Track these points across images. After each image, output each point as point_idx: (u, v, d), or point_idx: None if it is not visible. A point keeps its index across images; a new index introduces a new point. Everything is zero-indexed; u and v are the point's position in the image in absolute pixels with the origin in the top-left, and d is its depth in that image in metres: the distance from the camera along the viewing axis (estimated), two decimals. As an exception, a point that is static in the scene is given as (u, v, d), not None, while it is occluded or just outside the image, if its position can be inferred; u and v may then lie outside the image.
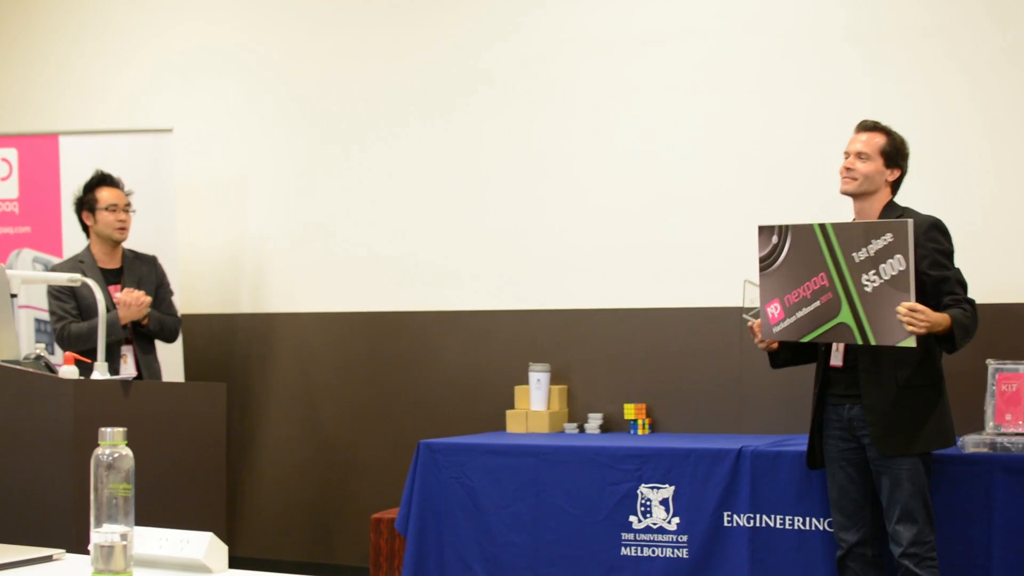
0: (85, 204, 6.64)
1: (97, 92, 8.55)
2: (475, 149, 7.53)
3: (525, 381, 6.99)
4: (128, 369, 6.46)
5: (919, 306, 4.77)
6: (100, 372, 5.27)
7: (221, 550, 2.74)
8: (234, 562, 2.81)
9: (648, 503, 5.97)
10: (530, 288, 7.31)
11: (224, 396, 5.85)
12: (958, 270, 5.07)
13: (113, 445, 2.55)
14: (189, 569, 2.70)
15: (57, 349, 6.78)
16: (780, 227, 5.13)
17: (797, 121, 6.70)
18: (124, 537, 2.54)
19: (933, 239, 5.00)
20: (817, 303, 5.04)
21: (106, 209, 6.59)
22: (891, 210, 5.18)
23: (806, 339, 5.11)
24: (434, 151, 7.61)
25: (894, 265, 4.83)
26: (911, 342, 4.81)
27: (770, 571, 5.68)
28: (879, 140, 5.21)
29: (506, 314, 7.35)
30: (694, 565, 5.87)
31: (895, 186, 5.25)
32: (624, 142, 7.12)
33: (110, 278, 6.63)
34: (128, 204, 6.66)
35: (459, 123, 7.57)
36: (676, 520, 5.94)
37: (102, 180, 6.65)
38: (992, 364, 5.55)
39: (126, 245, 6.75)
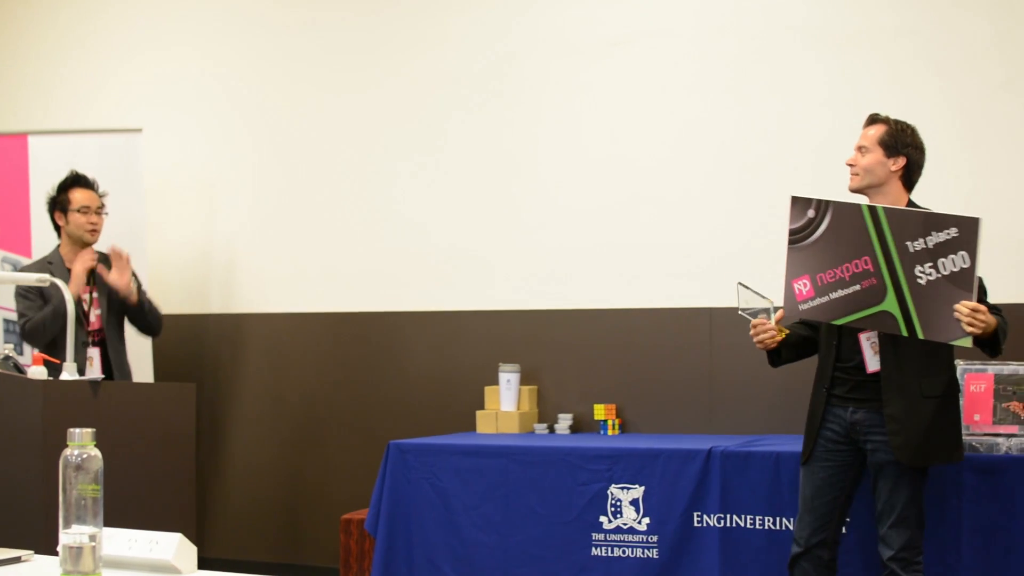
0: (58, 204, 6.61)
1: (67, 92, 8.52)
2: (445, 151, 7.52)
3: (495, 381, 7.00)
4: (94, 371, 6.43)
5: (981, 307, 4.66)
6: (69, 373, 5.26)
7: (190, 551, 2.73)
8: (203, 563, 2.80)
9: (618, 503, 5.98)
10: (500, 288, 7.31)
11: (194, 396, 5.84)
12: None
13: (82, 446, 2.54)
14: (158, 570, 2.69)
15: (26, 349, 6.75)
16: (819, 201, 4.91)
17: (769, 122, 6.72)
18: (93, 538, 2.53)
19: None
20: (857, 287, 4.84)
21: (78, 211, 6.56)
22: (912, 207, 5.06)
23: (839, 322, 4.93)
24: (403, 152, 7.61)
25: (956, 261, 4.65)
26: (967, 342, 4.70)
27: (740, 571, 5.69)
28: (878, 130, 5.10)
29: (476, 314, 7.35)
30: (664, 565, 5.87)
31: (907, 180, 5.11)
32: (594, 143, 7.13)
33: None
34: (101, 207, 6.63)
35: (428, 125, 7.57)
36: (646, 520, 5.94)
37: (76, 181, 6.62)
38: (960, 365, 5.56)
39: (96, 247, 6.72)
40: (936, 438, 4.98)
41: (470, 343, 7.36)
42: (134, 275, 6.72)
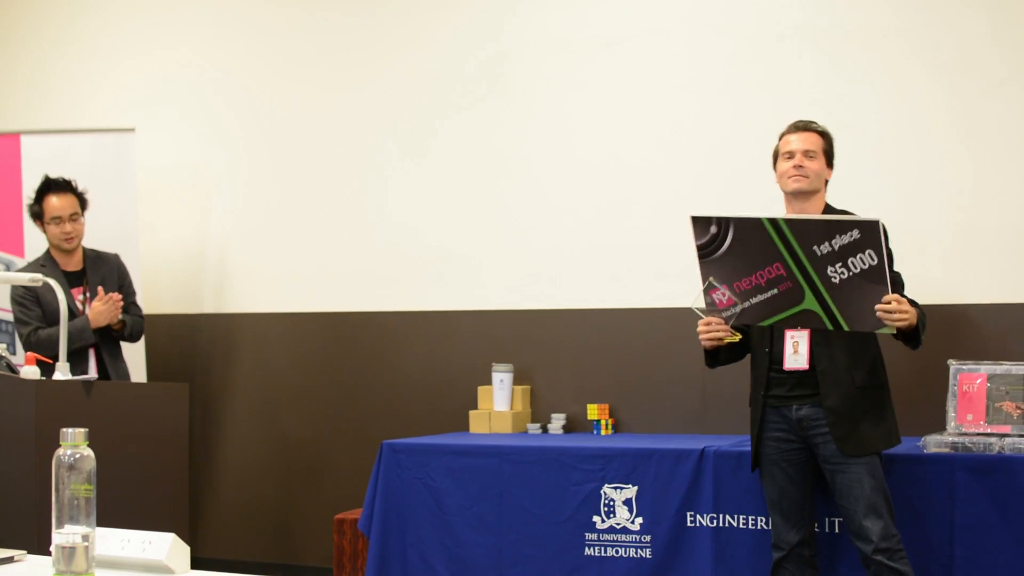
0: (33, 213, 6.63)
1: (60, 91, 8.51)
2: (436, 151, 7.52)
3: (488, 381, 6.99)
4: (89, 373, 6.44)
5: (902, 299, 4.81)
6: (62, 373, 5.25)
7: (183, 551, 2.73)
8: (196, 563, 2.80)
9: (611, 503, 5.98)
10: (492, 288, 7.31)
11: (186, 396, 5.84)
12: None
13: (74, 446, 2.54)
14: (151, 570, 2.69)
15: (19, 349, 6.75)
16: (719, 219, 5.04)
17: (761, 122, 6.70)
18: (86, 538, 2.53)
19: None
20: (775, 291, 4.99)
21: (51, 222, 6.57)
22: (831, 211, 5.23)
23: (767, 323, 5.07)
24: (395, 153, 7.61)
25: (865, 260, 4.81)
26: (890, 329, 4.84)
27: (733, 571, 5.69)
28: (820, 139, 5.27)
29: (469, 314, 7.35)
30: (657, 565, 5.87)
31: (827, 187, 5.33)
32: (586, 143, 7.12)
33: (72, 280, 6.62)
34: (75, 214, 6.62)
35: (419, 125, 7.57)
36: (639, 520, 5.94)
37: (48, 187, 6.62)
38: (953, 365, 5.58)
39: (87, 244, 6.73)
40: (875, 426, 5.10)
41: (463, 343, 7.36)
42: (128, 283, 6.76)
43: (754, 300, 5.03)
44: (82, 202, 6.70)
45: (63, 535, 2.52)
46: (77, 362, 6.24)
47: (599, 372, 7.01)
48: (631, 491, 5.96)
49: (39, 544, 3.21)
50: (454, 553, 6.17)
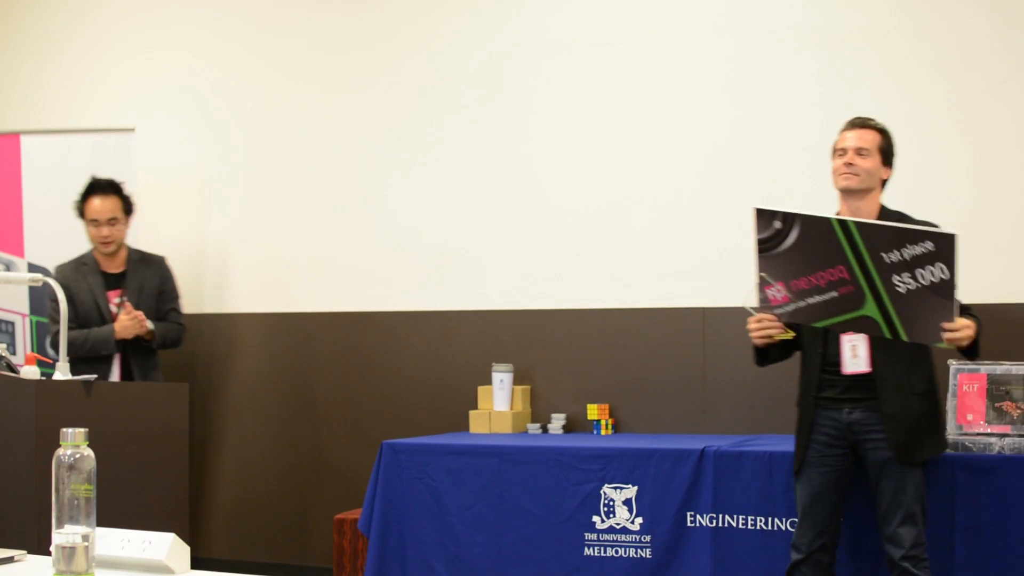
0: (78, 212, 6.72)
1: (60, 91, 8.50)
2: (437, 151, 7.52)
3: (488, 381, 6.99)
4: (112, 375, 6.48)
5: (970, 323, 4.77)
6: (62, 373, 5.25)
7: (183, 551, 2.73)
8: (196, 563, 2.80)
9: (611, 503, 5.98)
10: (493, 288, 7.31)
11: (186, 396, 5.84)
12: None
13: (75, 446, 2.54)
14: (151, 570, 2.69)
15: (18, 349, 6.75)
16: (785, 214, 4.91)
17: (761, 122, 6.71)
18: (86, 538, 2.53)
19: None
20: (834, 293, 4.86)
21: (90, 223, 6.60)
22: (886, 213, 5.15)
23: (820, 324, 4.97)
24: (396, 152, 7.60)
25: (935, 273, 4.69)
26: (949, 345, 4.80)
27: (733, 571, 5.69)
28: (876, 137, 5.16)
29: (469, 314, 7.35)
30: (657, 565, 5.87)
31: (884, 187, 5.22)
32: (587, 143, 7.12)
33: (111, 283, 6.65)
34: (113, 218, 6.66)
35: (420, 124, 7.56)
36: (639, 520, 5.94)
37: (93, 188, 6.70)
38: (953, 365, 5.58)
39: (134, 245, 6.77)
40: (926, 433, 5.08)
41: (463, 343, 7.35)
42: (168, 289, 6.81)
43: (811, 300, 4.92)
44: (127, 205, 6.75)
45: (63, 535, 2.53)
46: (99, 367, 6.28)
47: (599, 372, 7.01)
48: (631, 491, 5.96)
49: (39, 544, 3.21)
50: (454, 553, 6.17)
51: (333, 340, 7.68)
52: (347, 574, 6.67)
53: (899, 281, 4.73)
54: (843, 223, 4.80)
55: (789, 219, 4.88)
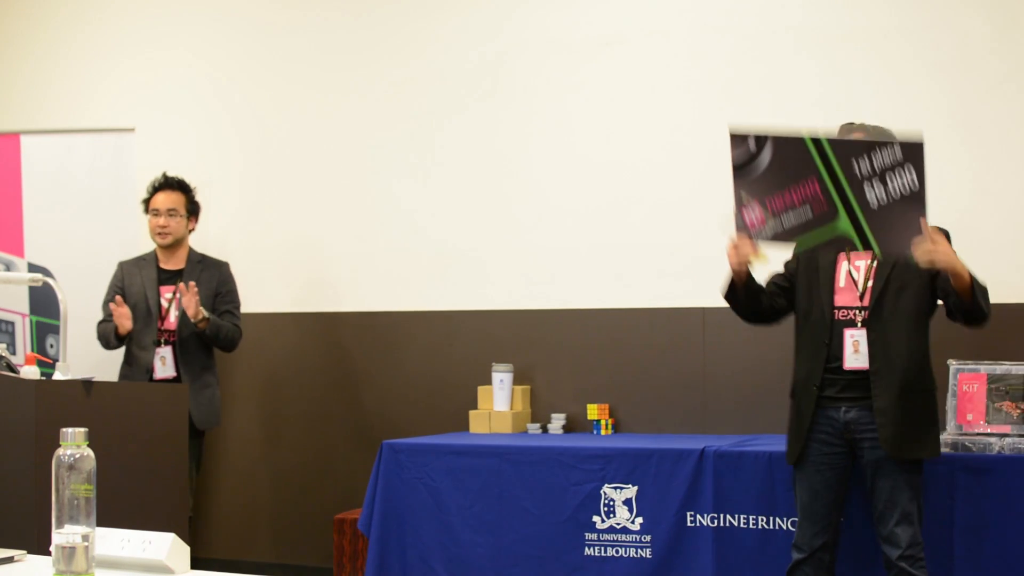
0: (144, 207, 6.94)
1: (60, 92, 8.50)
2: (437, 152, 7.52)
3: (488, 381, 6.99)
4: (166, 370, 6.54)
5: (939, 237, 4.72)
6: (61, 372, 5.25)
7: (183, 551, 2.73)
8: (196, 563, 2.80)
9: (611, 503, 5.98)
10: (493, 288, 7.31)
11: (186, 396, 5.83)
12: None
13: (75, 446, 2.54)
14: (151, 570, 2.69)
15: (18, 349, 6.75)
16: (758, 136, 4.88)
17: (761, 122, 6.70)
18: (86, 538, 2.53)
19: None
20: (807, 208, 4.85)
21: (151, 213, 6.78)
22: None
23: (798, 241, 4.94)
24: (396, 153, 7.61)
25: (905, 183, 4.68)
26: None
27: (734, 571, 5.69)
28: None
29: (469, 314, 7.35)
30: (657, 565, 5.87)
31: None
32: (587, 143, 7.13)
33: (166, 278, 6.83)
34: (173, 209, 6.82)
35: (420, 125, 7.56)
36: (639, 520, 5.94)
37: (159, 185, 6.91)
38: (953, 365, 5.58)
39: (198, 248, 6.84)
40: (920, 431, 5.04)
41: (463, 343, 7.36)
42: (224, 292, 6.83)
43: (784, 219, 4.88)
44: (191, 203, 6.91)
45: (63, 535, 2.53)
46: (142, 363, 6.59)
47: (599, 372, 7.01)
48: (631, 491, 5.96)
49: (39, 544, 3.20)
50: (454, 553, 6.17)
51: (333, 340, 7.68)
52: (347, 574, 6.67)
53: (871, 193, 4.73)
54: (816, 140, 4.79)
55: (762, 140, 4.87)
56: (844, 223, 4.78)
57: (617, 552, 5.97)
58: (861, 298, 5.08)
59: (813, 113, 6.50)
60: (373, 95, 7.69)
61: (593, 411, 6.84)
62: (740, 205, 4.93)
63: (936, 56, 6.46)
